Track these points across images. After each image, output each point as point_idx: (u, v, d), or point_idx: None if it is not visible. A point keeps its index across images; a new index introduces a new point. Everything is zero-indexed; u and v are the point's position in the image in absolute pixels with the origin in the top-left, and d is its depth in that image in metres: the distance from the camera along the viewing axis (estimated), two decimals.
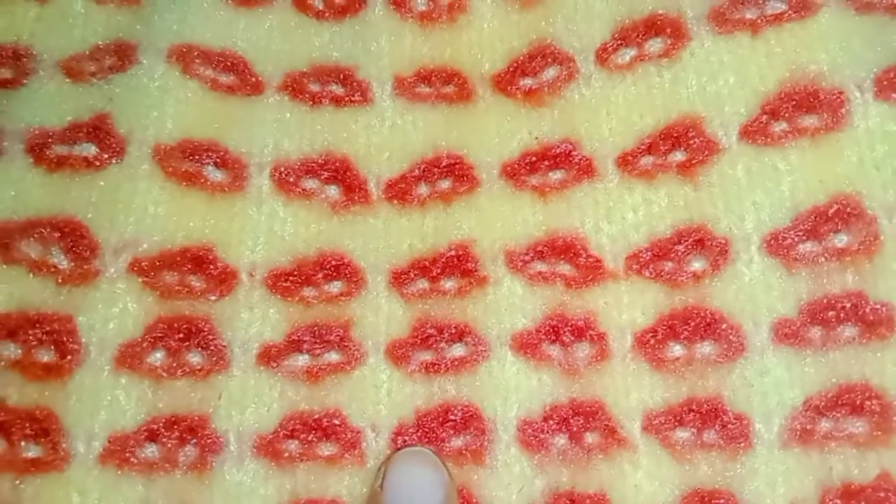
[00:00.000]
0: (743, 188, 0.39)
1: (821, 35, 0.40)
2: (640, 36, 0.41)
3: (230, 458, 0.37)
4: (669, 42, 0.41)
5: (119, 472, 0.36)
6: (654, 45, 0.41)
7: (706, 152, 0.39)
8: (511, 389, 0.39)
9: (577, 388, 0.38)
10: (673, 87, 0.41)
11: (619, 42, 0.42)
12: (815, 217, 0.38)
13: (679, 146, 0.40)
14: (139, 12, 0.43)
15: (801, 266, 0.38)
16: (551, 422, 0.38)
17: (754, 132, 0.39)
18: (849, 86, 0.39)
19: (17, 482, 0.36)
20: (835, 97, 0.39)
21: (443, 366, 0.39)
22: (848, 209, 0.38)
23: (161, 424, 0.37)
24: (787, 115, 0.39)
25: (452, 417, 0.38)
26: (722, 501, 0.36)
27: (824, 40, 0.40)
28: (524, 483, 0.37)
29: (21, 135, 0.40)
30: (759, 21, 0.40)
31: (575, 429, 0.38)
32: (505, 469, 0.37)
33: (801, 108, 0.39)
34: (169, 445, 0.36)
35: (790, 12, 0.40)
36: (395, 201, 0.41)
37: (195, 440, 0.37)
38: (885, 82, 0.38)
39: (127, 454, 0.36)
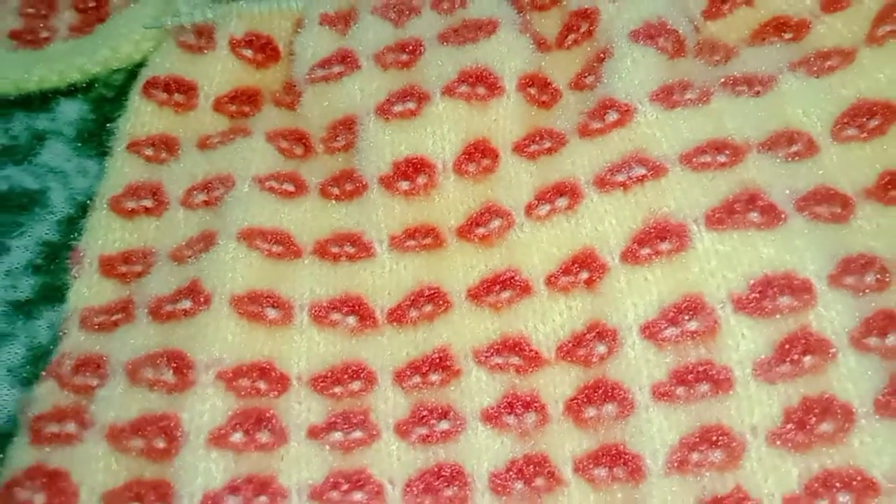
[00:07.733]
0: (625, 294, 0.51)
1: (670, 188, 0.52)
2: (552, 196, 0.55)
3: None
4: (571, 199, 0.54)
5: None
6: (561, 202, 0.54)
7: (600, 271, 0.52)
8: (483, 451, 0.49)
9: (528, 446, 0.49)
10: (576, 229, 0.54)
11: (538, 201, 0.55)
12: (673, 310, 0.49)
13: (583, 268, 0.52)
14: (218, 211, 0.57)
15: (667, 345, 0.49)
16: (511, 472, 0.48)
17: (629, 255, 0.51)
18: (689, 221, 0.51)
19: None
20: (680, 229, 0.51)
21: (434, 437, 0.49)
22: (695, 304, 0.49)
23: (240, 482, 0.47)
24: (649, 243, 0.51)
25: (444, 474, 0.48)
26: None
27: (672, 191, 0.52)
28: None
29: (145, 303, 0.54)
30: (627, 182, 0.53)
31: (528, 476, 0.48)
32: None
33: (658, 238, 0.51)
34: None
35: (648, 174, 0.53)
36: (395, 323, 0.53)
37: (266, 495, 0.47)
38: (712, 217, 0.51)
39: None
